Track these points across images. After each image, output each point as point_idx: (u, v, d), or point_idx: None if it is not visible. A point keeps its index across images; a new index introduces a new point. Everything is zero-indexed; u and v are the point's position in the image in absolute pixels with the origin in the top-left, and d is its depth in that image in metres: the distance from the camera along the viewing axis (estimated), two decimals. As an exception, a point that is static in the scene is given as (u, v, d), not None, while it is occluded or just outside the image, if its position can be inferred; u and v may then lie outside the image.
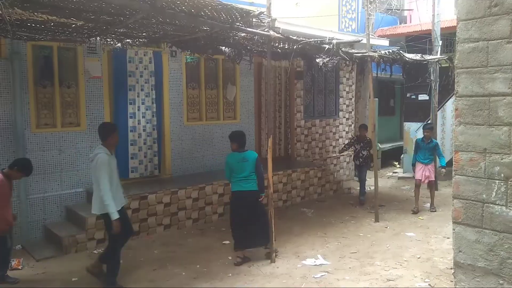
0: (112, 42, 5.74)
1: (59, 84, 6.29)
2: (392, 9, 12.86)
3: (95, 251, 5.64)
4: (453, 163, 3.02)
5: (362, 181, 8.46)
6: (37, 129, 6.09)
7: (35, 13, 4.08)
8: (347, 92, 10.70)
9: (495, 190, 2.80)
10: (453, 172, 3.01)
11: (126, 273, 4.93)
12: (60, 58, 6.29)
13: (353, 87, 10.92)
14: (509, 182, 2.74)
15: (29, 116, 5.98)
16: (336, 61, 7.07)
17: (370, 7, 7.91)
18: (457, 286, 3.08)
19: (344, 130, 10.68)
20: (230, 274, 4.88)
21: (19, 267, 5.05)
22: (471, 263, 2.93)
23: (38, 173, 6.06)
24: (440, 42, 9.63)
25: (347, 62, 8.44)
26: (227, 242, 5.91)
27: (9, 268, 4.94)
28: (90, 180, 6.47)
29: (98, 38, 5.45)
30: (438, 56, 9.14)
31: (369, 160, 8.54)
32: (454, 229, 3.01)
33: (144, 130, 7.14)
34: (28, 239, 5.95)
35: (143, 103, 7.11)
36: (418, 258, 5.37)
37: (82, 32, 5.02)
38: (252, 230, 5.15)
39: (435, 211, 7.67)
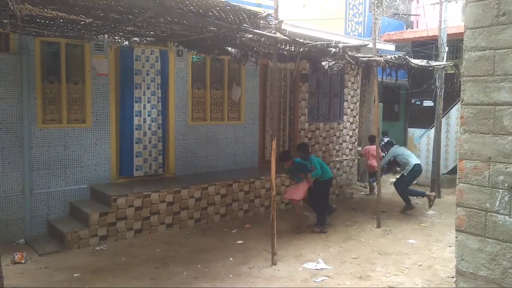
0: (119, 40, 5.76)
1: (66, 80, 6.33)
2: (399, 14, 12.84)
3: (97, 248, 5.67)
4: (458, 171, 3.01)
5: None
6: (43, 125, 6.13)
7: (45, 9, 4.11)
8: (352, 96, 10.69)
9: (498, 199, 2.80)
10: (457, 180, 3.01)
11: (127, 270, 4.95)
12: (67, 54, 6.33)
13: (358, 91, 10.92)
14: (513, 191, 2.74)
15: (35, 111, 6.02)
16: (341, 65, 7.07)
17: (377, 11, 7.90)
18: (458, 294, 3.08)
19: (348, 134, 10.67)
20: (231, 275, 4.89)
21: (22, 261, 5.08)
22: (473, 271, 2.92)
23: (43, 168, 6.12)
24: (446, 48, 9.61)
25: (353, 66, 8.44)
26: (241, 241, 5.97)
27: (12, 262, 4.99)
28: (95, 176, 6.59)
29: (106, 35, 5.49)
30: (444, 62, 9.13)
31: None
32: (457, 237, 3.01)
33: (149, 129, 7.17)
34: (31, 233, 5.99)
35: (148, 102, 7.14)
36: (420, 265, 5.36)
37: (90, 29, 5.05)
38: None
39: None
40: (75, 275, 4.81)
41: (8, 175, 5.84)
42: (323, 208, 6.80)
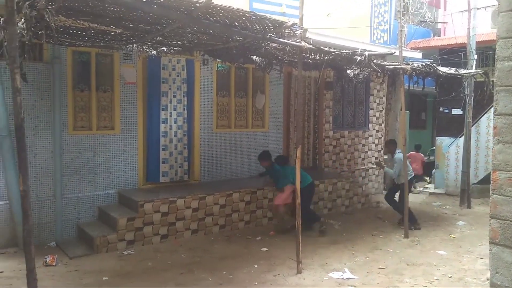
0: (148, 50, 5.93)
1: (95, 88, 6.53)
2: (426, 22, 12.65)
3: (125, 252, 5.78)
4: (491, 182, 2.93)
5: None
6: (73, 131, 6.33)
7: (78, 21, 4.27)
8: (378, 104, 10.57)
9: (534, 211, 2.70)
10: (491, 191, 2.92)
11: (154, 275, 5.02)
12: (97, 63, 6.54)
13: (384, 99, 10.78)
14: (550, 202, 2.64)
15: (66, 119, 6.23)
16: (367, 73, 7.02)
17: (403, 19, 7.81)
18: (491, 308, 2.97)
19: (373, 143, 10.53)
20: (256, 283, 4.88)
21: (54, 264, 5.24)
22: (509, 285, 2.82)
23: (73, 173, 6.31)
24: (476, 56, 9.39)
25: (378, 74, 8.37)
26: (265, 249, 5.96)
27: (44, 264, 5.14)
28: (122, 182, 6.74)
29: (135, 45, 5.64)
30: (473, 70, 8.91)
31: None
32: (491, 250, 2.91)
33: (175, 136, 7.29)
34: (62, 237, 6.16)
35: (175, 109, 7.27)
36: (450, 277, 5.20)
37: (120, 39, 5.21)
38: None
39: None
40: (104, 278, 4.92)
41: (40, 180, 6.05)
42: (305, 214, 6.62)
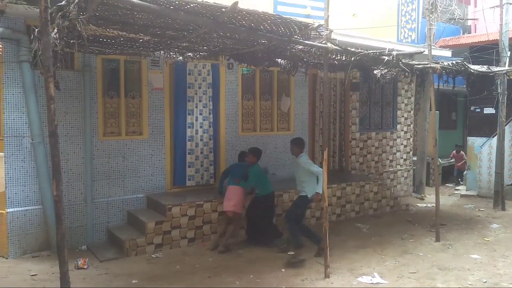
0: (174, 56, 6.00)
1: (124, 95, 6.67)
2: (455, 19, 12.29)
3: (153, 255, 5.86)
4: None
5: None
6: (103, 137, 6.48)
7: (108, 29, 4.38)
8: (406, 105, 10.35)
9: None
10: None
11: (182, 279, 5.07)
12: (126, 70, 6.69)
13: (412, 99, 10.54)
14: None
15: (97, 125, 6.39)
16: (394, 73, 6.88)
17: (431, 17, 7.61)
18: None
19: (402, 144, 10.32)
20: (284, 287, 4.85)
21: (85, 267, 5.37)
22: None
23: (103, 178, 6.46)
24: (509, 53, 9.05)
25: (406, 74, 8.19)
26: (292, 253, 5.82)
27: (76, 267, 5.28)
28: (150, 186, 6.84)
29: (162, 51, 5.74)
30: (507, 67, 8.60)
31: None
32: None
33: (201, 140, 7.36)
34: (92, 240, 6.31)
35: (200, 114, 7.34)
36: (484, 282, 5.02)
37: (148, 46, 5.31)
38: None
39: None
40: (133, 281, 5.00)
41: (72, 185, 6.22)
42: (266, 228, 6.25)
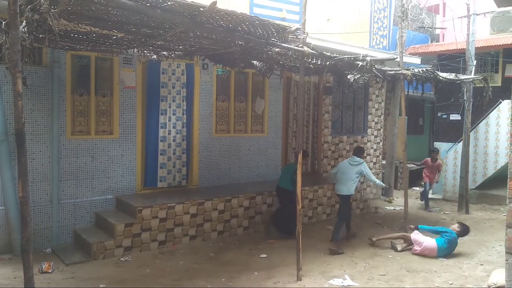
0: (148, 54, 5.87)
1: (94, 92, 6.47)
2: (424, 27, 12.70)
3: (122, 259, 5.70)
4: (508, 190, 2.90)
5: None
6: (71, 136, 6.25)
7: (79, 25, 4.23)
8: (376, 109, 10.57)
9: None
10: (507, 200, 2.89)
11: (152, 282, 4.95)
12: (97, 67, 6.48)
13: (383, 104, 10.78)
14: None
15: (65, 123, 6.16)
16: (367, 78, 7.01)
17: (403, 25, 7.83)
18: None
19: (372, 148, 10.53)
20: (256, 290, 4.83)
21: (49, 271, 5.14)
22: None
23: (70, 178, 6.23)
24: (475, 62, 9.43)
25: (378, 79, 8.38)
26: (265, 255, 5.89)
27: (40, 271, 5.05)
28: (120, 187, 6.66)
29: (135, 49, 5.60)
30: (473, 76, 8.95)
31: None
32: (507, 260, 2.87)
33: (174, 140, 7.23)
34: (58, 243, 6.07)
35: (174, 114, 7.22)
36: (451, 284, 5.18)
37: (121, 43, 5.16)
38: None
39: None
40: (101, 285, 4.83)
41: (37, 185, 5.96)
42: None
